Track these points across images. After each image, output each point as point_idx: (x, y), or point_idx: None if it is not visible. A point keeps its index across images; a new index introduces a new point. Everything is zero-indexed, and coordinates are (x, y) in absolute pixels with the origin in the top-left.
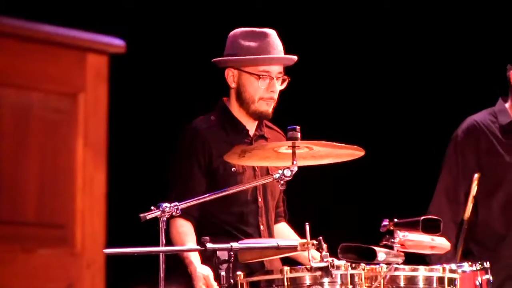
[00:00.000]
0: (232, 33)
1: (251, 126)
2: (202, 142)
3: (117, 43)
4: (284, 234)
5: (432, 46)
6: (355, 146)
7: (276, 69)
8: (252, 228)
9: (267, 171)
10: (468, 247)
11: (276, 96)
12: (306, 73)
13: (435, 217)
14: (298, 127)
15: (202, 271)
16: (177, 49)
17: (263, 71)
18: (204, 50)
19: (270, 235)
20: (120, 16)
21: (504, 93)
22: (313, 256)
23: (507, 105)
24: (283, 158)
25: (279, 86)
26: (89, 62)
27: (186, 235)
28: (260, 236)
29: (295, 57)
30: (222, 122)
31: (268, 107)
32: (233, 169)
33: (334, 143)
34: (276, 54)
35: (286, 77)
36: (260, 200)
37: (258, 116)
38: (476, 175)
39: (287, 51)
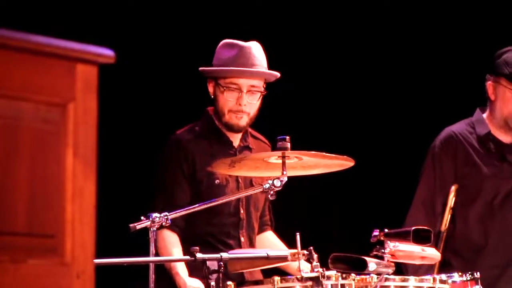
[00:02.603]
0: (220, 43)
1: (235, 137)
2: (185, 153)
3: (106, 53)
4: (270, 242)
5: (429, 54)
6: (345, 156)
7: (247, 82)
8: (233, 239)
9: (250, 183)
10: (446, 258)
11: (247, 109)
12: (296, 83)
13: (426, 228)
14: (288, 137)
15: (192, 284)
16: (167, 59)
17: (230, 83)
18: (194, 60)
19: (252, 246)
20: (109, 26)
21: (482, 103)
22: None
23: (485, 115)
24: (273, 168)
25: (250, 100)
26: (78, 72)
27: (172, 246)
28: (241, 248)
29: (264, 71)
30: (206, 133)
31: (238, 120)
32: (216, 181)
33: (324, 153)
34: (249, 68)
35: (261, 91)
36: (242, 212)
37: (230, 128)
38: (453, 187)
39: (275, 61)
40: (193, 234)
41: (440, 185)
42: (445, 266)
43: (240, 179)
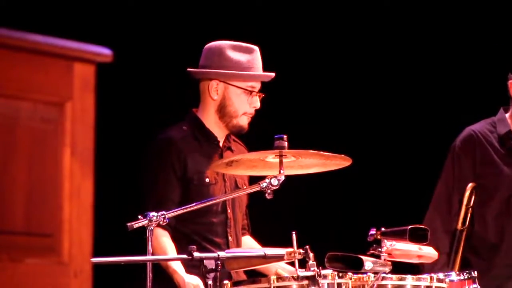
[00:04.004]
0: (216, 45)
1: (221, 138)
2: (177, 152)
3: (104, 52)
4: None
5: (425, 54)
6: (342, 155)
7: (259, 85)
8: (221, 238)
9: (235, 183)
10: (466, 257)
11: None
12: (294, 82)
13: (423, 226)
14: (285, 136)
15: (191, 281)
16: (165, 58)
17: (251, 86)
18: (193, 60)
19: (238, 246)
20: (107, 25)
21: (506, 103)
22: (283, 268)
23: (507, 115)
24: (270, 167)
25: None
26: (76, 71)
27: (166, 245)
28: (228, 247)
29: (273, 74)
30: (194, 132)
31: (247, 122)
32: (207, 180)
33: (321, 152)
34: (261, 70)
35: (262, 93)
36: (229, 211)
37: (238, 130)
38: (470, 184)
39: (273, 60)
40: (179, 233)
41: (458, 184)
42: (465, 265)
43: (226, 179)
